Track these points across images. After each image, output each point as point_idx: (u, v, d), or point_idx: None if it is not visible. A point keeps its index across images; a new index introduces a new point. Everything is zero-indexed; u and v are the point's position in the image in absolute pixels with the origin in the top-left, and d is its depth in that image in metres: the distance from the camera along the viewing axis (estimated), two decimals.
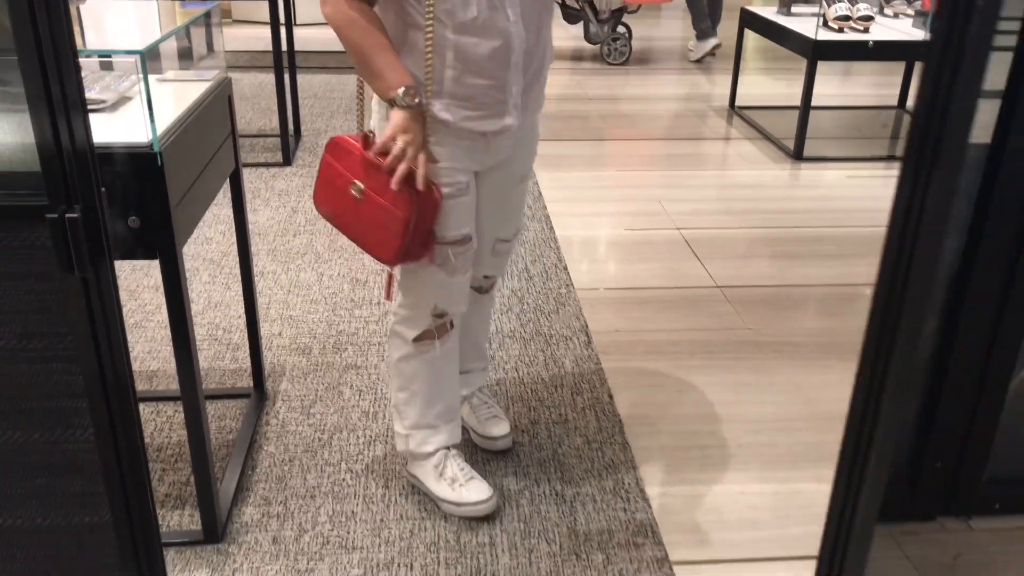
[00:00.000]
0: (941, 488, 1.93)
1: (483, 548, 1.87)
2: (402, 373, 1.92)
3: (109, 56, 1.74)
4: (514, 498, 2.00)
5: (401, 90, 1.58)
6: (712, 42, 6.24)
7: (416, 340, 1.87)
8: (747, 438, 2.25)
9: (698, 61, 6.27)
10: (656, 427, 2.28)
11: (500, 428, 2.14)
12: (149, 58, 1.55)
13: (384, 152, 1.61)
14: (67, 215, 0.83)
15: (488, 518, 1.93)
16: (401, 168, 1.59)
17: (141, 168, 1.50)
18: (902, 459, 1.91)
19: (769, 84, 5.80)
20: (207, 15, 2.12)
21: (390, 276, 1.86)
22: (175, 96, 1.79)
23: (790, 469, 2.13)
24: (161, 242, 1.56)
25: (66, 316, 0.87)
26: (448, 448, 1.99)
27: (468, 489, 1.93)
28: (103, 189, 0.86)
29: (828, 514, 1.26)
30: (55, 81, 0.81)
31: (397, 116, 1.59)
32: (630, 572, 1.81)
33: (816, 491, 2.06)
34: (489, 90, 1.65)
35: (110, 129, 1.58)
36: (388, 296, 1.88)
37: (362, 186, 1.66)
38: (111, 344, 0.89)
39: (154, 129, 1.49)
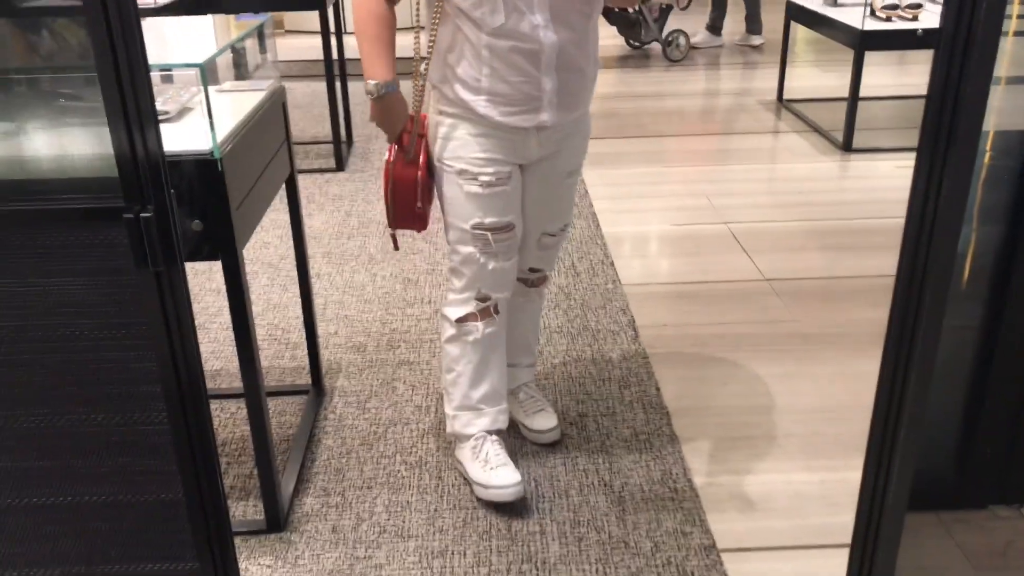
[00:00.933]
0: (992, 476, 1.92)
1: (534, 536, 1.92)
2: (448, 354, 2.02)
3: (171, 70, 1.84)
4: (563, 488, 2.05)
5: (372, 83, 1.79)
6: (718, 41, 6.63)
7: (459, 321, 1.97)
8: (794, 428, 2.26)
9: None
10: (703, 418, 2.31)
11: (548, 421, 2.19)
12: (207, 70, 1.64)
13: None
14: (142, 215, 0.91)
15: (517, 508, 1.98)
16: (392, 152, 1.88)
17: (203, 174, 1.59)
18: (951, 446, 1.92)
19: (817, 76, 5.75)
20: (260, 28, 2.21)
21: (393, 234, 2.05)
22: (233, 106, 1.89)
23: (837, 458, 2.14)
24: (223, 243, 1.65)
25: (142, 308, 0.95)
26: (490, 433, 2.06)
27: (497, 473, 1.99)
28: (172, 191, 0.94)
29: (859, 503, 1.28)
30: (130, 95, 0.89)
31: (370, 104, 1.84)
32: (678, 559, 1.85)
33: None
34: (523, 87, 1.77)
35: (174, 138, 1.68)
36: (395, 246, 2.07)
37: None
38: (182, 333, 0.97)
39: (214, 138, 1.58)
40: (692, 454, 2.17)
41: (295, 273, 3.13)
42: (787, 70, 5.13)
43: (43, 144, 1.07)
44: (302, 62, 6.13)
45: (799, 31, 4.99)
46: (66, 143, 1.08)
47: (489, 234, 1.88)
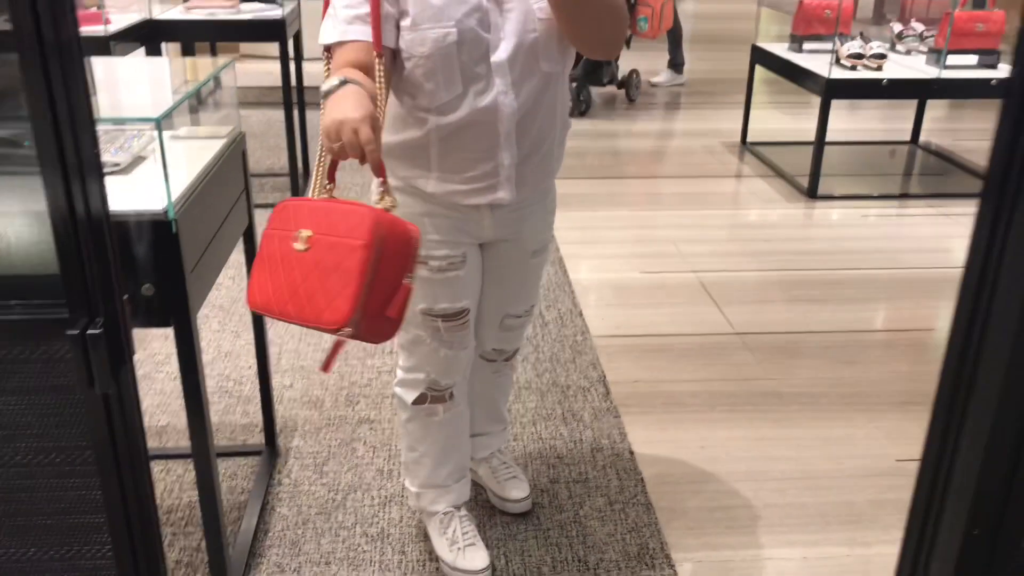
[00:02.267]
0: (982, 556, 1.86)
1: None
2: (410, 434, 1.88)
3: (123, 124, 1.70)
4: (535, 565, 1.93)
5: (328, 82, 1.35)
6: (681, 79, 6.63)
7: (415, 403, 1.82)
8: (772, 498, 2.18)
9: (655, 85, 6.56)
10: (679, 486, 2.22)
11: (519, 491, 2.08)
12: (163, 124, 1.50)
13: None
14: (88, 331, 0.78)
15: None
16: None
17: (156, 235, 1.45)
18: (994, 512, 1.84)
19: (780, 119, 5.77)
20: (223, 68, 2.08)
21: (337, 344, 1.42)
22: (189, 156, 1.75)
23: (819, 532, 2.06)
24: (175, 309, 1.51)
25: (86, 431, 0.82)
26: (458, 508, 1.94)
27: (465, 555, 1.87)
28: (125, 296, 0.81)
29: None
30: (75, 172, 0.76)
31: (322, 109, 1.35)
32: None
33: (847, 556, 1.99)
34: (478, 163, 1.56)
35: (124, 194, 1.54)
36: (327, 368, 1.49)
37: (308, 232, 1.30)
38: (132, 459, 0.83)
39: (169, 197, 1.45)
40: (669, 526, 2.07)
41: (248, 317, 2.98)
42: (752, 112, 5.12)
43: None
44: (258, 88, 5.97)
45: (760, 72, 4.99)
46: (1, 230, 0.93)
47: (439, 320, 1.70)
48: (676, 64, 6.58)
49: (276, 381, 2.62)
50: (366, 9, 1.41)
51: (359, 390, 2.60)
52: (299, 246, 1.30)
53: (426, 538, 1.99)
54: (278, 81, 3.98)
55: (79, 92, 0.88)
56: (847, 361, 2.82)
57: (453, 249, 1.65)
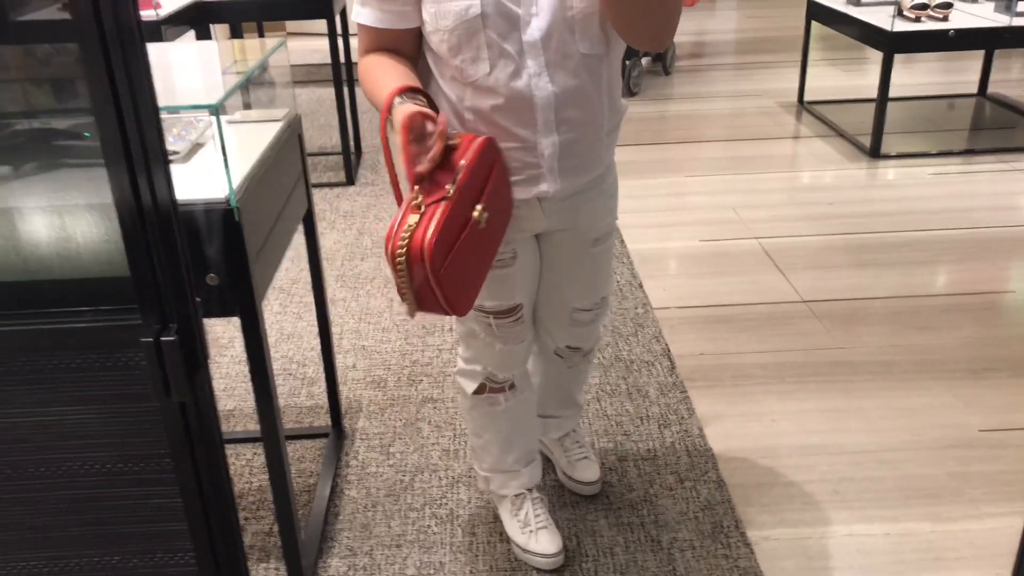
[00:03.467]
0: None
1: None
2: (474, 421, 1.85)
3: (178, 112, 1.68)
4: (608, 546, 1.91)
5: (398, 101, 1.32)
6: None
7: (475, 393, 1.79)
8: (849, 471, 2.12)
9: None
10: (751, 461, 2.16)
11: (590, 473, 2.04)
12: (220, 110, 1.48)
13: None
14: (162, 338, 0.76)
15: (558, 570, 1.84)
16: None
17: (218, 224, 1.44)
18: None
19: (838, 76, 5.58)
20: (275, 50, 2.06)
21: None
22: (247, 140, 1.73)
23: (900, 507, 2.00)
24: (241, 298, 1.50)
25: (164, 439, 0.80)
26: (530, 490, 1.92)
27: (538, 538, 1.85)
28: (199, 300, 0.79)
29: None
30: (142, 172, 0.74)
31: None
32: None
33: (932, 532, 1.92)
34: (516, 153, 1.45)
35: (184, 183, 1.52)
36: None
37: (483, 206, 1.34)
38: (211, 466, 0.82)
39: (231, 184, 1.43)
40: (743, 503, 2.02)
41: (308, 298, 2.99)
42: (808, 70, 4.96)
43: (41, 235, 0.91)
44: (306, 66, 5.95)
45: (815, 27, 4.82)
46: (68, 229, 0.91)
47: (491, 317, 1.64)
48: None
49: (339, 361, 2.62)
50: None
51: (421, 369, 2.59)
52: (481, 222, 1.35)
53: (496, 519, 1.97)
54: (326, 58, 3.96)
55: (142, 80, 0.86)
56: (918, 327, 2.72)
57: (502, 247, 1.55)
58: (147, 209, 0.74)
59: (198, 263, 1.47)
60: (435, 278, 1.25)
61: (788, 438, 2.24)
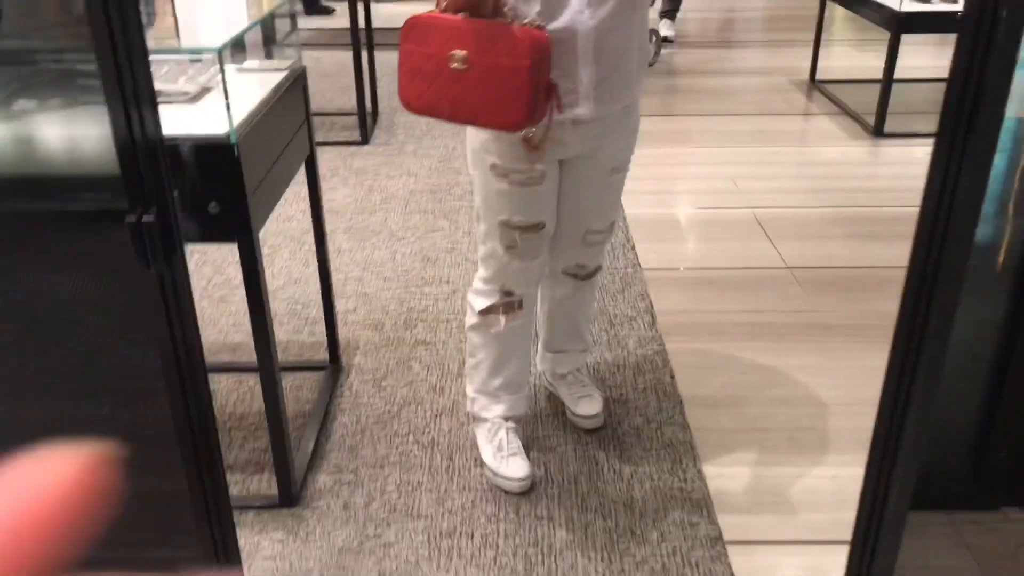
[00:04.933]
0: (1006, 478, 1.91)
1: (541, 521, 1.94)
2: (471, 340, 2.06)
3: (185, 55, 1.84)
4: (573, 475, 2.06)
5: None
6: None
7: (482, 312, 1.98)
8: (810, 422, 2.25)
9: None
10: (717, 409, 2.31)
11: (592, 407, 2.21)
12: (232, 50, 1.64)
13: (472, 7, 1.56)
14: (143, 218, 0.92)
15: (526, 492, 2.01)
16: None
17: (220, 158, 1.60)
18: (965, 446, 1.90)
19: (852, 56, 5.63)
20: (286, 4, 2.20)
21: (527, 138, 1.69)
22: (253, 86, 1.89)
23: (850, 453, 2.13)
24: (239, 226, 1.67)
25: (144, 307, 0.96)
26: (507, 419, 2.08)
27: (508, 463, 2.03)
28: (175, 191, 0.95)
29: (860, 499, 1.27)
30: (129, 84, 0.89)
31: None
32: (684, 550, 1.86)
33: None
34: (559, 80, 1.63)
35: (192, 121, 1.69)
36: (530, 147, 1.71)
37: (464, 53, 1.55)
38: (184, 331, 0.98)
39: (231, 123, 1.59)
40: (704, 445, 2.17)
41: None
42: (821, 50, 5.03)
43: (45, 134, 1.08)
44: (329, 31, 6.11)
45: (836, 9, 4.88)
46: (67, 134, 1.09)
47: (516, 233, 1.84)
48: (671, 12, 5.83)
49: (341, 305, 2.79)
50: None
51: (417, 315, 2.75)
52: (458, 66, 1.56)
53: (473, 446, 2.14)
54: (348, 23, 4.11)
55: (135, 26, 1.00)
56: (895, 295, 2.82)
57: (532, 167, 1.75)
58: (135, 127, 0.90)
59: (201, 193, 1.64)
60: (400, 49, 1.61)
61: (755, 390, 2.38)
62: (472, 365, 2.09)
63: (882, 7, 4.15)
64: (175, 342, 0.96)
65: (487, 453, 2.07)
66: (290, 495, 1.99)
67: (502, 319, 1.97)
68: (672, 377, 2.42)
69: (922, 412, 1.13)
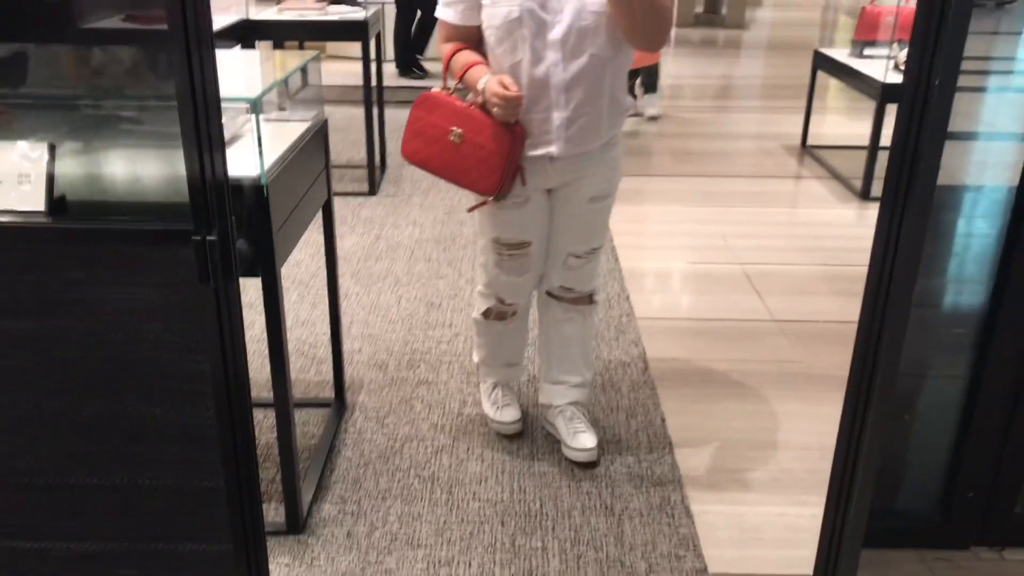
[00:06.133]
0: (974, 518, 2.02)
1: (536, 552, 2.04)
2: (475, 328, 2.44)
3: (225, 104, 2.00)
4: (567, 509, 2.17)
5: (483, 80, 1.95)
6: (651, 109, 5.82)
7: (482, 315, 2.34)
8: (791, 464, 2.36)
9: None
10: (705, 450, 2.42)
11: (586, 441, 2.32)
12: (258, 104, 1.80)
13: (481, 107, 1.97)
14: (207, 238, 1.06)
15: (521, 524, 2.11)
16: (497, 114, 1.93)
17: (250, 198, 1.74)
18: (935, 487, 2.01)
19: (843, 123, 5.86)
20: (309, 62, 2.38)
21: (482, 202, 2.09)
22: (278, 134, 2.04)
23: None
24: (264, 262, 1.80)
25: (201, 317, 1.09)
26: (502, 385, 2.49)
27: (502, 412, 2.44)
28: (233, 218, 1.08)
29: (820, 538, 1.38)
30: (204, 124, 1.03)
31: (489, 93, 1.93)
32: None
33: None
34: (536, 117, 1.97)
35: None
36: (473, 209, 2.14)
37: (461, 131, 1.96)
38: (233, 341, 1.11)
39: (263, 165, 1.74)
40: (691, 484, 2.27)
41: (324, 292, 3.29)
42: (812, 116, 5.25)
43: (120, 168, 1.24)
44: (342, 87, 6.33)
45: (827, 78, 5.12)
46: (139, 168, 1.25)
47: (504, 249, 2.16)
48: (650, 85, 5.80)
49: (347, 346, 2.91)
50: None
51: (420, 356, 2.87)
52: (454, 139, 1.98)
53: (471, 482, 2.24)
54: (360, 80, 4.31)
55: (213, 78, 1.15)
56: None
57: (519, 192, 2.06)
58: (206, 163, 1.04)
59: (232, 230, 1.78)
60: (411, 113, 2.04)
61: (741, 434, 2.50)
62: (477, 344, 2.47)
63: (869, 78, 4.37)
64: (224, 350, 1.09)
65: (487, 406, 2.48)
66: (296, 523, 2.09)
67: (497, 324, 2.34)
68: (663, 420, 2.53)
69: (871, 457, 1.26)
